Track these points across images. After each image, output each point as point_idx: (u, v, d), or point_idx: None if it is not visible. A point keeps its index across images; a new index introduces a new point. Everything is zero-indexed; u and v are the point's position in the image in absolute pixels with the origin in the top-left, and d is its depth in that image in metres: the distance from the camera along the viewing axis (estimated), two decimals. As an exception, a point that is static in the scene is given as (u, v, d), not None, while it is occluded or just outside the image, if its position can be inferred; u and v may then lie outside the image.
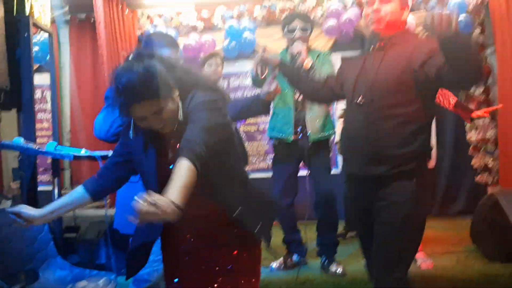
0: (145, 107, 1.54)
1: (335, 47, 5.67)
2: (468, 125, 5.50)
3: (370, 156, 1.99)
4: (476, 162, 5.48)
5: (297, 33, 3.30)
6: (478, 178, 5.48)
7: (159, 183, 1.56)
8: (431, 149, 2.21)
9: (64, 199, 1.85)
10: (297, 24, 3.32)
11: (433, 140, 5.64)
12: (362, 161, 2.02)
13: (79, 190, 1.83)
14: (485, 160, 5.44)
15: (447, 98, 3.51)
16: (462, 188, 5.64)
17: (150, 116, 1.57)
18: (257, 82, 3.02)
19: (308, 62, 3.03)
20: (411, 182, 2.01)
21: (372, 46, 2.13)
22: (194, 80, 1.68)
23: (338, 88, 2.25)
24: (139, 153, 1.71)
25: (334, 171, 4.09)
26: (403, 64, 1.98)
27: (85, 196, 1.82)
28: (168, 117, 1.60)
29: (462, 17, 5.36)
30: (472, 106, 5.44)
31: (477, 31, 5.48)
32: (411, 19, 5.43)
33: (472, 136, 5.47)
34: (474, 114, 3.52)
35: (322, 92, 2.29)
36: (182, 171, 1.40)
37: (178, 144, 1.60)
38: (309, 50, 3.41)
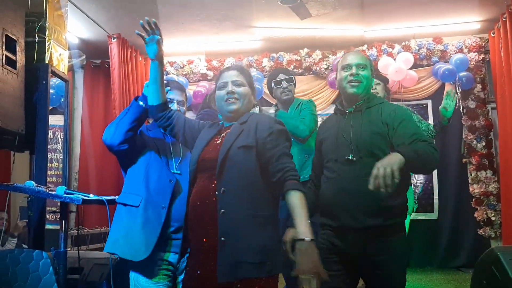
0: (230, 72, 2.04)
1: (338, 98, 5.84)
2: (471, 178, 5.57)
3: (368, 207, 2.05)
4: (479, 215, 5.51)
5: (284, 84, 3.53)
6: (481, 231, 5.49)
7: (200, 160, 1.94)
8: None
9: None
10: (282, 76, 3.59)
11: (435, 193, 5.74)
12: (359, 213, 2.07)
13: None
14: (488, 214, 5.47)
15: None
16: (465, 240, 5.62)
17: (231, 83, 2.00)
18: None
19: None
20: (402, 233, 2.15)
21: (349, 108, 2.26)
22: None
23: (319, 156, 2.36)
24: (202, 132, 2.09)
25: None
26: (379, 126, 2.14)
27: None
28: (243, 98, 2.00)
29: (463, 74, 5.54)
30: (474, 159, 5.54)
31: (479, 87, 5.65)
32: (414, 74, 5.64)
33: (475, 189, 5.53)
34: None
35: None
36: (302, 205, 1.74)
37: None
38: (293, 100, 3.66)
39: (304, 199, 1.75)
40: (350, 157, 2.11)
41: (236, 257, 1.74)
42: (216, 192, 1.82)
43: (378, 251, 2.07)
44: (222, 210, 1.79)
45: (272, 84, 3.62)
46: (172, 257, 2.19)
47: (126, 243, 2.19)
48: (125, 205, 2.26)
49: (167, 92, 2.39)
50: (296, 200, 1.75)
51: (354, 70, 2.21)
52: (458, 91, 5.59)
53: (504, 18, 4.93)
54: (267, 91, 5.97)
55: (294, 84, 3.65)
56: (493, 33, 5.30)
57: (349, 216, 2.08)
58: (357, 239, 2.07)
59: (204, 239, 1.83)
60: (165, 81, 2.28)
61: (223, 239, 1.76)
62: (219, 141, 1.97)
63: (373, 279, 2.14)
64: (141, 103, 2.22)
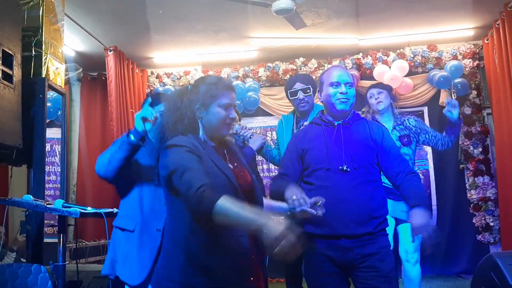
0: (234, 95, 1.89)
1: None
2: (468, 184, 5.58)
3: (361, 216, 2.18)
4: (477, 221, 5.51)
5: (300, 95, 3.44)
6: (479, 237, 5.49)
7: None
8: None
9: None
10: (298, 86, 3.47)
11: (433, 199, 5.75)
12: (351, 221, 2.17)
13: None
14: (486, 219, 5.47)
15: None
16: (464, 247, 5.60)
17: (233, 106, 1.88)
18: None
19: None
20: (387, 235, 2.29)
21: (337, 121, 2.36)
22: None
23: (300, 164, 2.39)
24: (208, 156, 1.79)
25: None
26: (368, 141, 2.31)
27: None
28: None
29: (458, 80, 5.57)
30: (471, 165, 5.56)
31: (474, 93, 5.68)
32: (409, 82, 5.67)
33: (473, 195, 5.54)
34: None
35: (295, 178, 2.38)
36: None
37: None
38: (313, 107, 3.55)
39: None
40: (344, 168, 2.21)
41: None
42: None
43: (369, 254, 2.18)
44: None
45: (288, 94, 3.52)
46: None
47: (123, 266, 2.24)
48: (121, 229, 2.31)
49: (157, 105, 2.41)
50: None
51: (343, 88, 2.33)
52: (453, 97, 5.61)
53: (497, 24, 4.97)
54: (263, 101, 6.03)
55: (315, 91, 3.49)
56: (487, 40, 5.34)
57: (342, 223, 2.17)
58: (349, 246, 2.17)
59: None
60: (156, 94, 2.29)
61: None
62: (230, 165, 1.86)
63: (369, 282, 2.19)
64: (132, 137, 2.17)
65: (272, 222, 1.46)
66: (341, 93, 2.32)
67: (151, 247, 2.20)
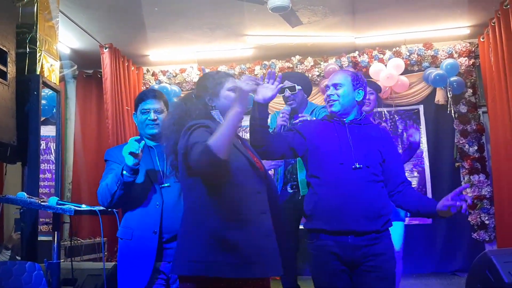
0: (234, 80, 2.02)
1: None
2: (464, 182, 5.59)
3: (370, 213, 2.22)
4: (472, 219, 5.52)
5: (286, 93, 3.45)
6: (475, 235, 5.51)
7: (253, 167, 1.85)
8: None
9: None
10: (286, 84, 3.46)
11: (429, 197, 5.76)
12: (362, 217, 2.20)
13: None
14: (482, 217, 5.49)
15: None
16: (460, 245, 5.62)
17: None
18: None
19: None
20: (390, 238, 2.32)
21: (346, 119, 2.40)
22: None
23: (297, 147, 2.39)
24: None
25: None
26: (378, 144, 2.36)
27: None
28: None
29: (454, 78, 5.58)
30: (467, 163, 5.57)
31: (470, 91, 5.69)
32: (405, 80, 5.68)
33: (468, 193, 5.55)
34: None
35: (275, 146, 2.34)
36: None
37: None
38: (305, 105, 3.57)
39: None
40: (357, 165, 2.25)
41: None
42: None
43: (376, 254, 2.21)
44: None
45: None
46: (164, 266, 2.21)
47: (128, 275, 2.26)
48: (121, 239, 2.35)
49: (141, 102, 2.41)
50: None
51: (330, 90, 2.39)
52: (449, 95, 5.63)
53: (493, 23, 4.98)
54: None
55: (307, 89, 3.58)
56: (483, 38, 5.35)
57: (352, 219, 2.19)
58: (357, 244, 2.20)
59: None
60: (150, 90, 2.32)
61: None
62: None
63: (370, 282, 2.22)
64: (127, 173, 2.17)
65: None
66: (328, 95, 2.39)
67: (149, 250, 2.20)
